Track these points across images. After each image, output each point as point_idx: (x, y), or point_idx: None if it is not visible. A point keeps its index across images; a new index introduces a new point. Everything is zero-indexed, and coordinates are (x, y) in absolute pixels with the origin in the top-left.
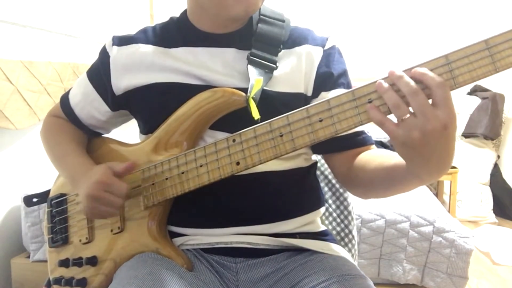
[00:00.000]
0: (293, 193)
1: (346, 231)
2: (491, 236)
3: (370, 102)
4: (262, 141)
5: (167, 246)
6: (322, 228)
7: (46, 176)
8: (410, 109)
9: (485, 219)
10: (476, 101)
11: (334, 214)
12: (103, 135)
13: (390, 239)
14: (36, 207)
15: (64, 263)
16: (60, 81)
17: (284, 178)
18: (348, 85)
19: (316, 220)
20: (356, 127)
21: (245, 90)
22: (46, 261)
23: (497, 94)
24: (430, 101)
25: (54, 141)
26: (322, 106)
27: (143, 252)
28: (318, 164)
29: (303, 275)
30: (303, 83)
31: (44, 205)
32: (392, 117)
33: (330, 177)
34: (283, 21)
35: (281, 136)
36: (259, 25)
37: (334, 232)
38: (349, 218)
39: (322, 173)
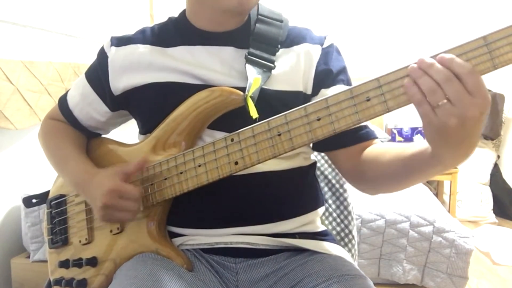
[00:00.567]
0: (293, 193)
1: (346, 231)
2: (491, 236)
3: (368, 100)
4: (260, 141)
5: (167, 246)
6: (322, 228)
7: (46, 177)
8: None
9: (485, 219)
10: None
11: (334, 214)
12: (101, 136)
13: (390, 239)
14: (36, 207)
15: (64, 264)
16: (61, 81)
17: (283, 178)
18: (348, 82)
19: (316, 220)
20: (354, 125)
21: (243, 89)
22: (46, 261)
23: (497, 94)
24: None
25: (54, 145)
26: (320, 104)
27: (142, 253)
28: (318, 164)
29: (303, 275)
30: (301, 82)
31: (44, 205)
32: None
33: (330, 177)
34: (281, 21)
35: (279, 135)
36: (257, 24)
37: (334, 232)
38: (349, 218)
39: (322, 173)
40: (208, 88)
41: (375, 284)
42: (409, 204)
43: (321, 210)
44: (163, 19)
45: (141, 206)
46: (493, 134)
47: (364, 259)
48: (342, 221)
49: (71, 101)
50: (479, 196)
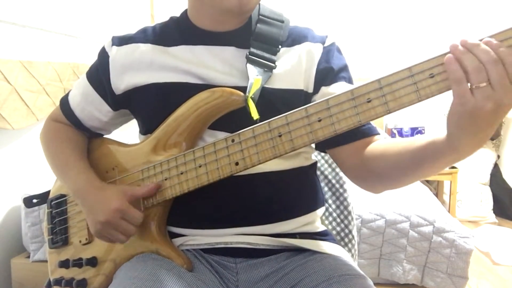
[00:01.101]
0: (293, 193)
1: (346, 231)
2: (491, 236)
3: (369, 101)
4: (261, 141)
5: (167, 246)
6: (322, 228)
7: (45, 177)
8: None
9: (485, 219)
10: None
11: (334, 214)
12: (102, 136)
13: (390, 239)
14: (36, 207)
15: (64, 264)
16: (59, 81)
17: (283, 178)
18: (349, 80)
19: (316, 220)
20: (355, 127)
21: (244, 88)
22: (46, 261)
23: None
24: None
25: (55, 149)
26: (320, 105)
27: (143, 253)
28: (318, 164)
29: (303, 275)
30: (303, 80)
31: (45, 205)
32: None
33: (330, 177)
34: (282, 21)
35: (280, 136)
36: (258, 25)
37: (334, 232)
38: (349, 218)
39: (322, 173)
40: (209, 89)
41: (375, 284)
42: (409, 204)
43: (321, 210)
44: (164, 19)
45: (142, 207)
46: (493, 134)
47: (364, 259)
48: (342, 221)
49: (73, 101)
50: (479, 196)
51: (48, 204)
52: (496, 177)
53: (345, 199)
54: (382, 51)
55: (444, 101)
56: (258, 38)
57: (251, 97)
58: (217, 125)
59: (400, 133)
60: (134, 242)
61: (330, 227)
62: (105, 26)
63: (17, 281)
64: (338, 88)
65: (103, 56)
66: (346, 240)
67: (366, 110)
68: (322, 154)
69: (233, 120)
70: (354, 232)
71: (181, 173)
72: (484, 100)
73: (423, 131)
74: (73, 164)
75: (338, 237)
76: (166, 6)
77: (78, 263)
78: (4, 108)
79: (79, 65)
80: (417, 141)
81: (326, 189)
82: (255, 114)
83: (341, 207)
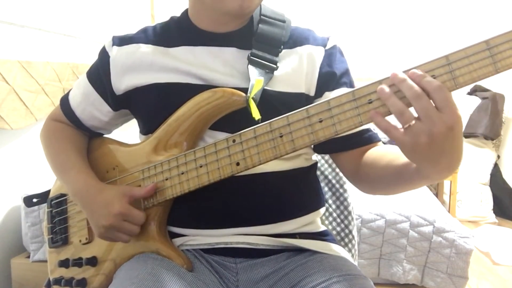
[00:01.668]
0: (293, 193)
1: (346, 231)
2: (491, 236)
3: (370, 102)
4: (262, 142)
5: (167, 246)
6: (322, 228)
7: (45, 177)
8: (414, 113)
9: (485, 219)
10: (476, 101)
11: (334, 214)
12: (103, 135)
13: (390, 239)
14: (36, 207)
15: (64, 263)
16: (58, 81)
17: (284, 178)
18: (350, 84)
19: (316, 220)
20: (356, 128)
21: (245, 90)
22: (46, 261)
23: (497, 94)
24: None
25: (55, 149)
26: (322, 106)
27: (143, 253)
28: (318, 164)
29: (303, 275)
30: (304, 83)
31: (44, 205)
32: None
33: (330, 177)
34: (283, 21)
35: (281, 136)
36: (259, 25)
37: (334, 232)
38: (349, 218)
39: (322, 173)
40: (210, 89)
41: (375, 284)
42: (409, 204)
43: (321, 210)
44: (164, 19)
45: (142, 207)
46: (493, 134)
47: (364, 259)
48: (342, 221)
49: (73, 101)
50: (479, 196)
51: (48, 204)
52: (496, 177)
53: (345, 199)
54: (383, 51)
55: None
56: (260, 39)
57: (252, 98)
58: (218, 126)
59: None
60: (134, 242)
61: (330, 227)
62: (104, 26)
63: (17, 281)
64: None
65: (104, 56)
66: (346, 240)
67: (367, 111)
68: (321, 154)
69: (234, 120)
70: (354, 232)
71: (182, 173)
72: (416, 135)
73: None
74: (72, 164)
75: (338, 237)
76: (166, 6)
77: (78, 262)
78: (3, 108)
79: (79, 65)
80: (399, 159)
81: (326, 189)
82: (256, 115)
83: (341, 207)
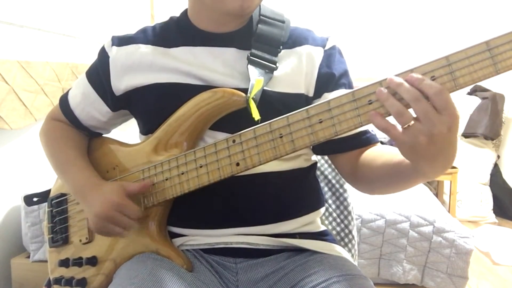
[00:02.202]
0: (293, 193)
1: (346, 231)
2: (491, 236)
3: (370, 103)
4: (262, 142)
5: (167, 246)
6: (322, 228)
7: (44, 177)
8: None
9: (485, 219)
10: (476, 101)
11: (334, 214)
12: (103, 135)
13: (390, 239)
14: (36, 207)
15: (64, 263)
16: (58, 81)
17: (284, 178)
18: (349, 85)
19: (316, 220)
20: (356, 128)
21: (245, 90)
22: (46, 261)
23: (497, 94)
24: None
25: (55, 147)
26: (322, 107)
27: (143, 253)
28: (318, 164)
29: (303, 275)
30: (303, 84)
31: (44, 205)
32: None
33: (330, 177)
34: (283, 22)
35: (281, 137)
36: (259, 25)
37: (334, 232)
38: (349, 218)
39: (322, 173)
40: (210, 90)
41: (375, 284)
42: (409, 204)
43: (321, 210)
44: (164, 19)
45: (142, 206)
46: (493, 134)
47: (364, 259)
48: (342, 221)
49: (72, 101)
50: (479, 196)
51: (49, 203)
52: (496, 177)
53: (345, 199)
54: (383, 51)
55: None
56: (259, 39)
57: (252, 98)
58: (218, 126)
59: None
60: (134, 241)
61: (330, 227)
62: (104, 26)
63: (17, 281)
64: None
65: (103, 56)
66: (346, 240)
67: (367, 112)
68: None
69: (234, 121)
70: (354, 232)
71: (182, 173)
72: (415, 136)
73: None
74: (73, 162)
75: (338, 237)
76: (166, 6)
77: (78, 262)
78: (2, 108)
79: (78, 65)
80: (395, 156)
81: (326, 189)
82: (256, 115)
83: (341, 207)
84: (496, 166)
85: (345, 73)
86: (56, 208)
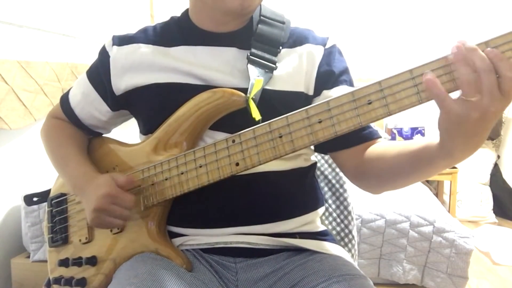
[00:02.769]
0: (293, 193)
1: (346, 231)
2: (491, 236)
3: (369, 103)
4: (262, 142)
5: (167, 246)
6: (322, 228)
7: (44, 177)
8: None
9: (485, 219)
10: None
11: (334, 214)
12: (103, 135)
13: (390, 239)
14: (36, 207)
15: (64, 262)
16: (57, 81)
17: (283, 178)
18: (350, 82)
19: (316, 220)
20: (355, 128)
21: (245, 90)
22: (46, 261)
23: None
24: None
25: (55, 144)
26: (321, 107)
27: (142, 252)
28: (318, 164)
29: (302, 275)
30: (303, 82)
31: (44, 205)
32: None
33: (330, 177)
34: (283, 22)
35: (281, 137)
36: (259, 25)
37: (334, 232)
38: (349, 218)
39: (322, 173)
40: (210, 90)
41: (375, 284)
42: (409, 204)
43: (321, 210)
44: (164, 19)
45: (142, 206)
46: (493, 134)
47: (364, 259)
48: (342, 221)
49: (73, 100)
50: (479, 196)
51: (49, 203)
52: (496, 177)
53: (345, 199)
54: (383, 51)
55: None
56: (259, 39)
57: (252, 98)
58: (217, 126)
59: (400, 133)
60: (134, 241)
61: (330, 227)
62: (104, 26)
63: (17, 281)
64: (339, 91)
65: (104, 56)
66: (346, 240)
67: (366, 112)
68: (322, 154)
69: (233, 121)
70: (354, 232)
71: (182, 173)
72: (470, 109)
73: (423, 131)
74: (73, 157)
75: (338, 237)
76: (166, 6)
77: (78, 262)
78: (2, 108)
79: (78, 65)
80: (414, 144)
81: (326, 189)
82: (256, 115)
83: (341, 207)
84: (496, 166)
85: (345, 70)
86: (56, 208)
